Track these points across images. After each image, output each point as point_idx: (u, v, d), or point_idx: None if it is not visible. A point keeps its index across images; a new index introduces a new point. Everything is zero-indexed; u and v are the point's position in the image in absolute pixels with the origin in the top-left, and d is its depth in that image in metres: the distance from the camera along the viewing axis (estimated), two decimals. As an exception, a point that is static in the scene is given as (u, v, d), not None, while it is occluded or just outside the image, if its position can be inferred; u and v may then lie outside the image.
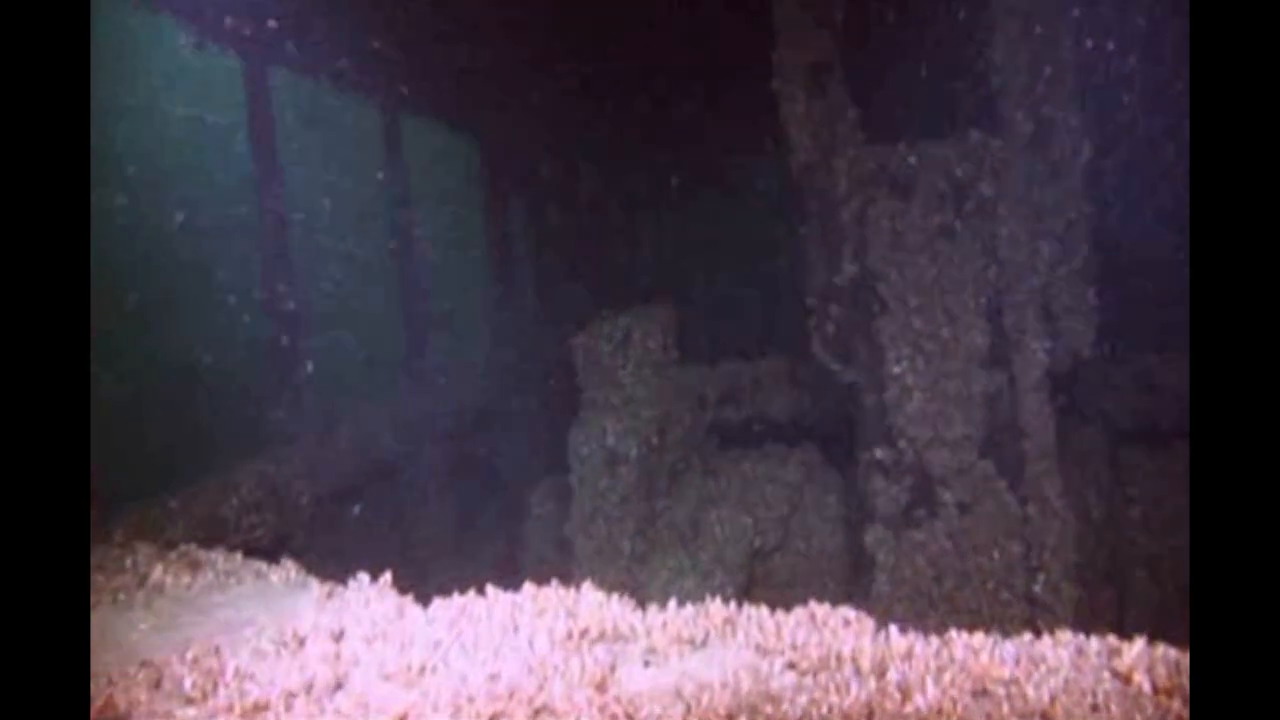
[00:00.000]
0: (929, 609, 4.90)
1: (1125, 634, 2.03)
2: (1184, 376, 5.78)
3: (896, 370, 4.90)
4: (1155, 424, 5.85)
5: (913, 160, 5.00)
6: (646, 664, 2.09)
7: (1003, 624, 4.79)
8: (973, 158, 4.93)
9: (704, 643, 2.13)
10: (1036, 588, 4.72)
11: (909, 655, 1.94)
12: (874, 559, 4.95)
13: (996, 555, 4.81)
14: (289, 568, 2.86)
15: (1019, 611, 4.81)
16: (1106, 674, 1.91)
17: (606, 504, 6.05)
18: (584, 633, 2.18)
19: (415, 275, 7.53)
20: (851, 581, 5.66)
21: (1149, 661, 1.94)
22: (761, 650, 2.05)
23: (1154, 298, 6.31)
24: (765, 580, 6.07)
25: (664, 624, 2.18)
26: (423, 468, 6.94)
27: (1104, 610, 5.49)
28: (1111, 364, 5.84)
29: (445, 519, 7.25)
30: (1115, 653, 1.97)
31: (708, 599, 2.24)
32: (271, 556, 3.22)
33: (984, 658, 1.93)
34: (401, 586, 2.72)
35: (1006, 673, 1.90)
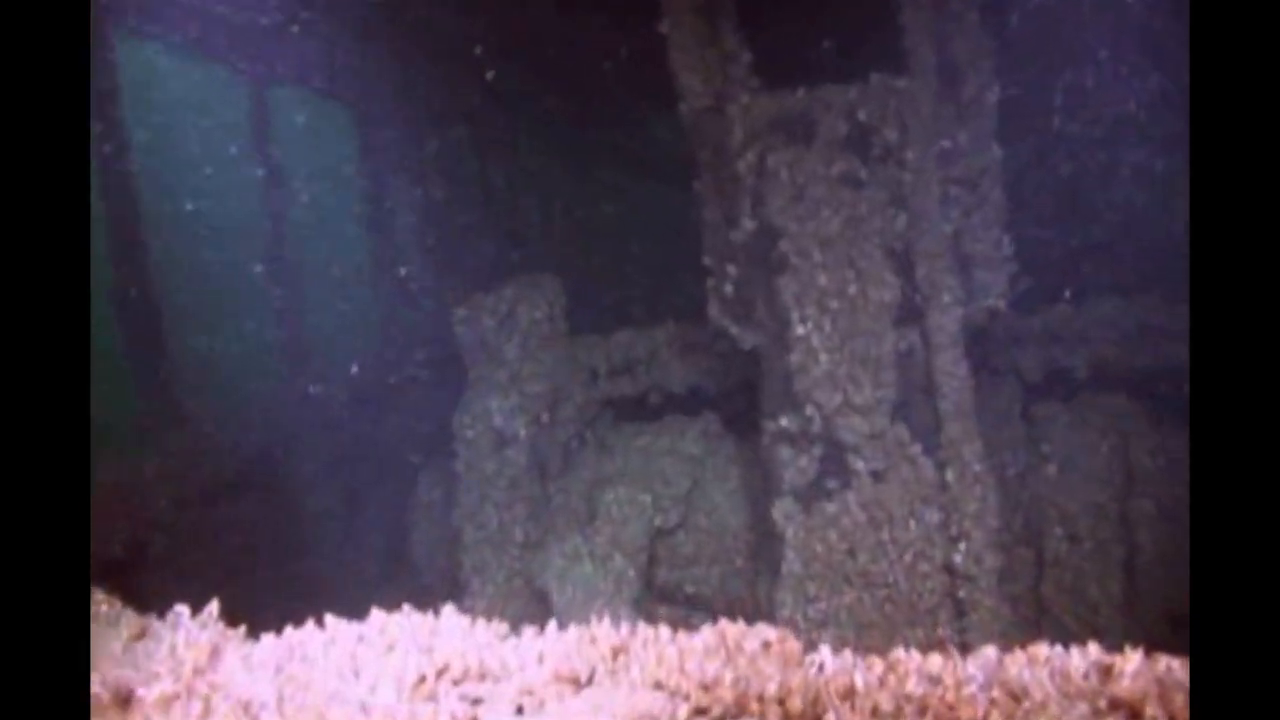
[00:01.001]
0: (844, 585, 4.57)
1: (1111, 644, 1.66)
2: (1092, 324, 5.53)
3: (801, 331, 4.53)
4: (1067, 376, 5.60)
5: (813, 105, 4.64)
6: (519, 710, 1.67)
7: (923, 596, 4.50)
8: (876, 100, 4.58)
9: (590, 679, 1.71)
10: (957, 558, 4.41)
11: (849, 694, 1.54)
12: (783, 535, 4.60)
13: (914, 525, 4.49)
14: (99, 599, 2.38)
15: (939, 583, 4.50)
16: (1105, 703, 1.54)
17: (495, 489, 5.63)
18: (442, 672, 1.75)
19: (289, 255, 7.04)
20: (759, 557, 5.30)
21: (1156, 685, 1.57)
22: (661, 688, 1.65)
23: (1063, 245, 6.07)
24: (668, 560, 5.69)
25: (541, 656, 1.76)
26: (303, 457, 6.44)
27: (1023, 573, 5.23)
28: (1021, 315, 5.57)
29: (329, 511, 6.76)
30: (1107, 673, 1.60)
31: (593, 622, 1.82)
32: (123, 569, 2.76)
33: (947, 691, 1.53)
34: (243, 610, 2.26)
35: (979, 711, 1.51)
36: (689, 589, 5.73)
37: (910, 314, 4.46)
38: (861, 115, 4.57)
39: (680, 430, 5.86)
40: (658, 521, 5.58)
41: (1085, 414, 5.44)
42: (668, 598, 5.81)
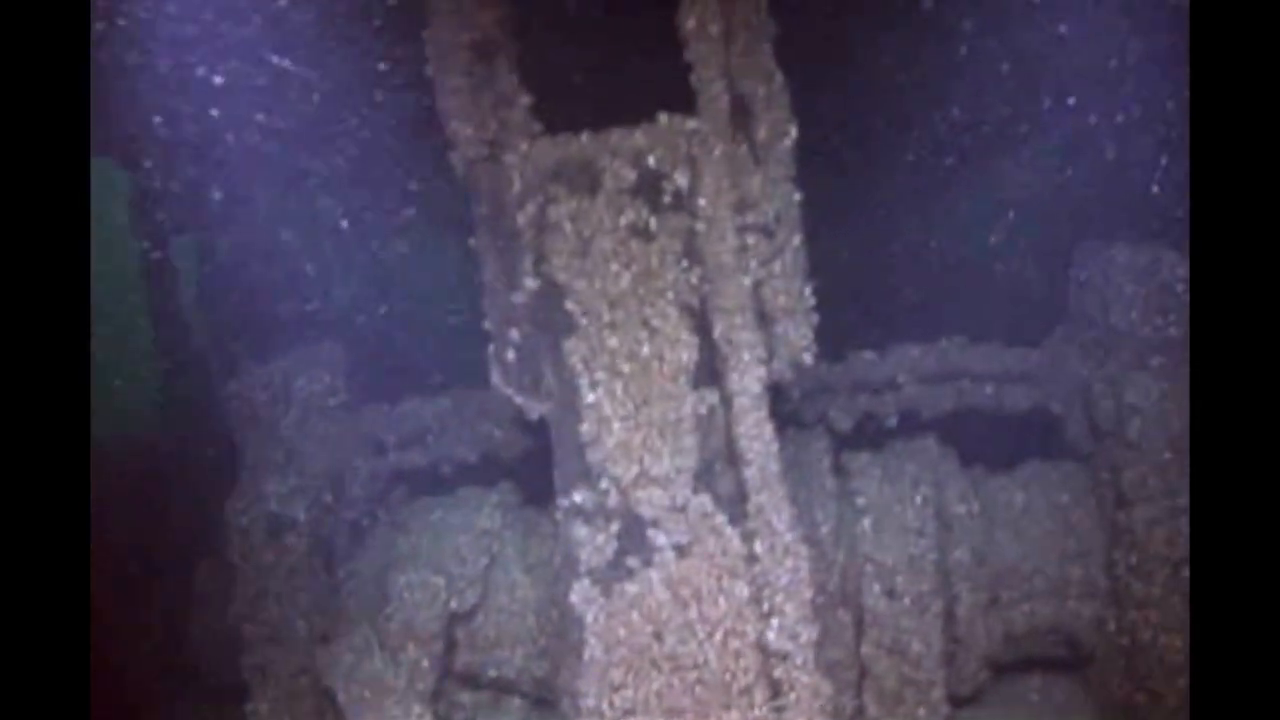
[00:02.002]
0: (651, 669, 4.20)
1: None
2: (901, 370, 5.34)
3: (591, 398, 4.17)
4: (877, 425, 5.40)
5: (597, 150, 4.30)
6: None
7: (736, 677, 4.17)
8: (665, 143, 4.27)
9: None
10: (770, 635, 4.08)
11: None
12: (582, 620, 4.20)
13: (723, 601, 4.15)
14: None
15: (753, 662, 4.17)
16: None
17: (274, 580, 5.10)
18: None
19: None
20: (562, 637, 4.91)
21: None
22: None
23: (870, 289, 5.89)
24: (468, 643, 5.24)
25: None
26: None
27: (841, 635, 4.96)
28: (828, 363, 5.35)
29: (99, 611, 6.05)
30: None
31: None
32: None
33: None
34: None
35: None
36: (492, 673, 5.30)
37: (709, 375, 4.14)
38: (650, 160, 4.25)
39: (475, 503, 5.42)
40: (453, 605, 5.12)
41: (897, 463, 5.22)
42: (470, 683, 5.36)
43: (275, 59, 5.77)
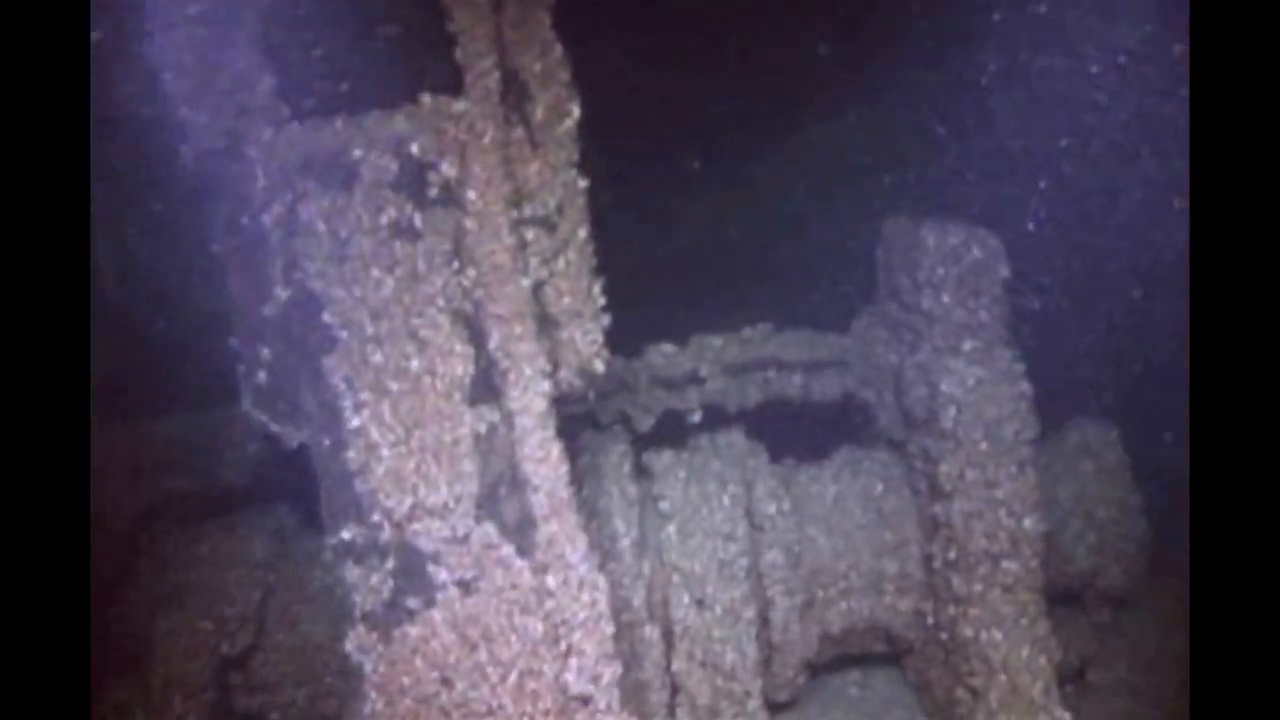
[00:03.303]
0: None
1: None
2: (703, 362, 5.03)
3: (356, 422, 3.67)
4: (680, 422, 5.07)
5: (353, 138, 3.78)
6: None
7: None
8: (429, 128, 3.78)
9: None
10: (569, 676, 3.68)
11: None
12: (360, 669, 3.72)
13: (515, 641, 3.73)
14: None
15: (553, 704, 3.77)
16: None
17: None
18: None
19: None
20: (347, 677, 4.44)
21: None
22: None
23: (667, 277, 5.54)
24: (244, 688, 4.71)
25: None
26: None
27: (649, 652, 4.62)
28: (626, 359, 4.99)
29: None
30: None
31: None
32: None
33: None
34: None
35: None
36: (275, 716, 4.80)
37: (487, 390, 3.68)
38: (413, 148, 3.76)
39: (247, 532, 4.86)
40: (225, 649, 4.59)
41: (702, 462, 4.90)
42: None
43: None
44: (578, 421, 4.91)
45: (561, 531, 3.64)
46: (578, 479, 4.77)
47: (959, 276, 4.60)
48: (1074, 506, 5.04)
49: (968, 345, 4.59)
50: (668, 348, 5.05)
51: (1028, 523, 4.41)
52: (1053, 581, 4.79)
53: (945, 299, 4.61)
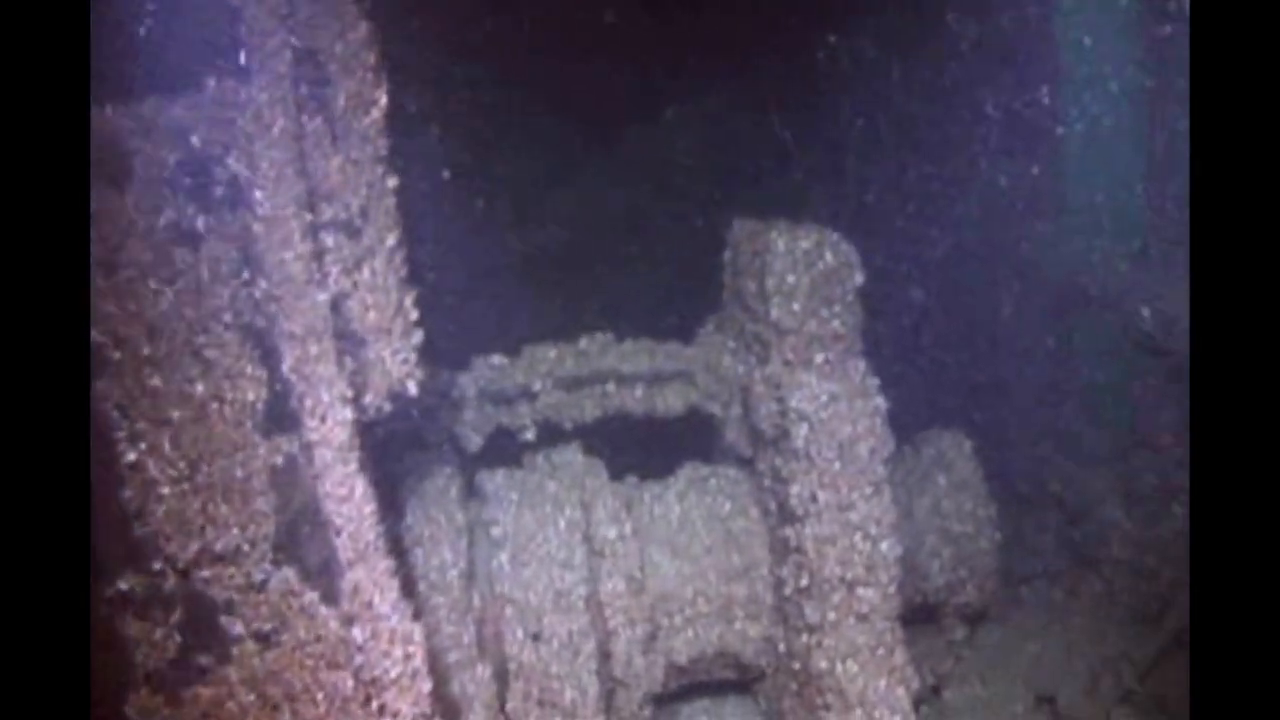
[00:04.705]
0: (241, 787, 3.32)
1: None
2: (537, 376, 4.71)
3: (133, 457, 3.20)
4: (512, 440, 4.71)
5: (125, 129, 3.30)
6: None
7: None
8: (211, 119, 3.32)
9: None
10: (383, 735, 3.27)
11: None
12: (145, 740, 3.26)
13: (322, 700, 3.31)
14: None
15: (366, 771, 3.36)
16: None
17: None
18: None
19: None
20: None
21: None
22: None
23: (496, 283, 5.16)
24: None
25: None
26: None
27: (481, 693, 4.23)
28: (452, 373, 4.60)
29: None
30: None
31: None
32: None
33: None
34: None
35: None
36: None
37: (284, 417, 3.24)
38: (195, 141, 3.29)
39: None
40: None
41: (537, 483, 4.53)
42: None
43: None
44: (402, 441, 4.50)
45: (369, 578, 3.21)
46: (400, 505, 4.37)
47: (811, 284, 4.30)
48: (929, 522, 4.83)
49: (819, 358, 4.30)
50: (497, 359, 4.68)
51: (884, 546, 4.15)
52: (908, 600, 4.57)
53: (796, 308, 4.30)
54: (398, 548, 4.24)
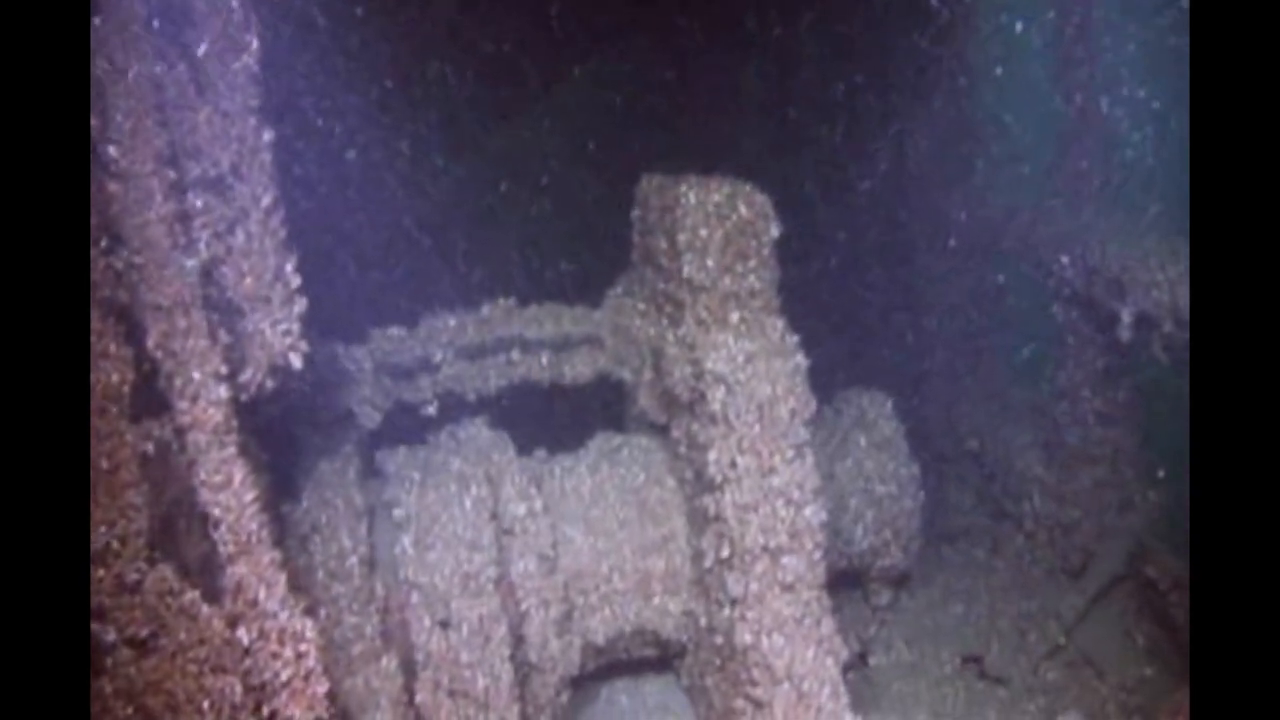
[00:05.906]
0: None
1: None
2: (438, 346, 4.44)
3: (-17, 449, 2.85)
4: (413, 415, 4.44)
5: None
6: None
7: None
8: None
9: None
10: (277, 744, 2.99)
11: None
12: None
13: (209, 708, 3.01)
14: None
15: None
16: None
17: None
18: None
19: None
20: None
21: None
22: None
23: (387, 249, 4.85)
24: None
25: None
26: None
27: (388, 685, 3.96)
28: (347, 346, 4.30)
29: None
30: None
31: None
32: None
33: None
34: None
35: None
36: None
37: (153, 400, 2.92)
38: None
39: None
40: None
41: (441, 460, 4.26)
42: None
43: None
44: (295, 419, 4.19)
45: (253, 572, 2.92)
46: (294, 489, 4.08)
47: (724, 238, 4.04)
48: (852, 484, 4.66)
49: (735, 316, 4.06)
50: (395, 331, 4.38)
51: (807, 512, 3.93)
52: (832, 566, 4.38)
53: (709, 264, 4.05)
54: (293, 535, 3.94)
